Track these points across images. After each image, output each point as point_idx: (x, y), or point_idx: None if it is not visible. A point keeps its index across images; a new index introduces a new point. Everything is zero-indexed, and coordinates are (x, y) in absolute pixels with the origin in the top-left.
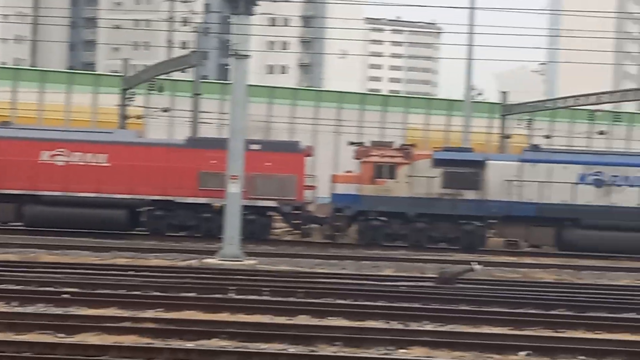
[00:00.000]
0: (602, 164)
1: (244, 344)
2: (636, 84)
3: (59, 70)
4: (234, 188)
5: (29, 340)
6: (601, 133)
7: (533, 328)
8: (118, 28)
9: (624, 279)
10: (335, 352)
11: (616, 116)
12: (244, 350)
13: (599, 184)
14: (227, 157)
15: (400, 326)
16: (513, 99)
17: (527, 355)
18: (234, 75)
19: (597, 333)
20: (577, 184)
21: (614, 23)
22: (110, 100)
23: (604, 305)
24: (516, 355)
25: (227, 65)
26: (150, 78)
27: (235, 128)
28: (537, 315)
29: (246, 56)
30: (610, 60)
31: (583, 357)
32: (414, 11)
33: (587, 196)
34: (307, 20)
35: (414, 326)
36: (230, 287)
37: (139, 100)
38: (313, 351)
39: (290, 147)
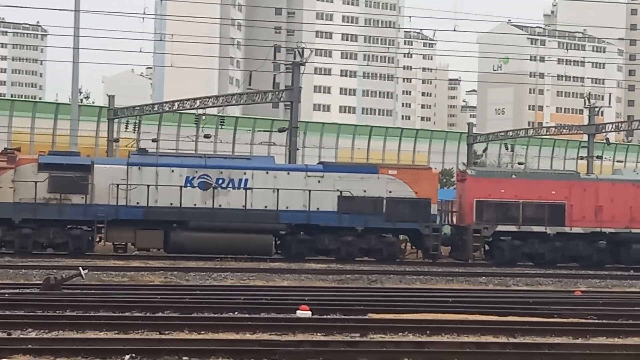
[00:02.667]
0: (208, 167)
1: None
2: (240, 89)
3: None
4: None
5: None
6: (207, 136)
7: (139, 331)
8: None
9: (230, 279)
10: None
11: (222, 120)
12: None
13: (205, 186)
14: None
15: (3, 335)
16: (121, 103)
17: (131, 358)
18: None
19: (202, 333)
20: (183, 187)
21: (219, 29)
22: None
23: (209, 306)
24: (121, 359)
25: None
26: None
27: None
28: (143, 318)
29: None
30: (216, 65)
31: (187, 358)
32: (18, 12)
33: (194, 199)
34: None
35: (17, 334)
36: None
37: None
38: None
39: None
